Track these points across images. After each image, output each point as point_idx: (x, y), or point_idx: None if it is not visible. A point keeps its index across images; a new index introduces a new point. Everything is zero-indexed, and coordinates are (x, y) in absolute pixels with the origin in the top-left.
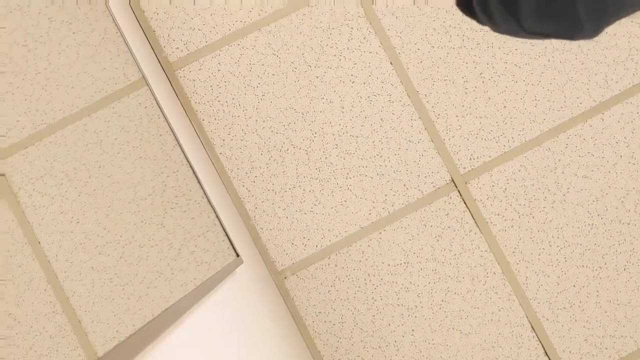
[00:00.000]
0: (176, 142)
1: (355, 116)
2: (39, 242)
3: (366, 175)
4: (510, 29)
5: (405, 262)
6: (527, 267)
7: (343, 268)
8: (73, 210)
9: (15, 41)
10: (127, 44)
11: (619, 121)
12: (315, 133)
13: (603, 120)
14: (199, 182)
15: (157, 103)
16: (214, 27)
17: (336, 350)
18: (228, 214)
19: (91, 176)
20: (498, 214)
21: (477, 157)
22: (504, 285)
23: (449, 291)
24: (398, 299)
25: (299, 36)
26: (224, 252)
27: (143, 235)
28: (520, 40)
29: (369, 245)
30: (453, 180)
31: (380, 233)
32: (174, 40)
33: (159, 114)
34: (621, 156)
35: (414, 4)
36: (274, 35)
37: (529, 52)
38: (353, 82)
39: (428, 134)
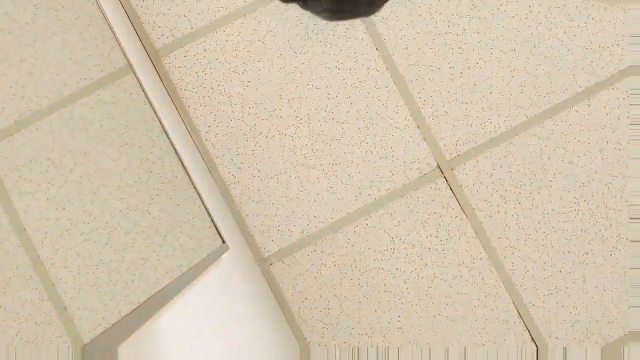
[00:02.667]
0: (162, 129)
1: (341, 102)
2: (25, 229)
3: (352, 162)
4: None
5: (391, 248)
6: (513, 253)
7: (329, 254)
8: (59, 197)
9: (1, 28)
10: (112, 31)
11: (605, 107)
12: (301, 119)
13: (589, 106)
14: (184, 168)
15: (142, 90)
16: (200, 14)
17: (322, 337)
18: (214, 201)
19: (77, 163)
20: (484, 200)
21: (463, 143)
22: (490, 271)
23: (435, 277)
24: (384, 285)
25: (285, 22)
26: (210, 239)
27: (129, 222)
28: (505, 26)
29: (355, 232)
30: (439, 166)
31: (366, 219)
32: (159, 26)
33: (145, 101)
34: (607, 142)
35: None
36: (259, 22)
37: (514, 38)
38: (339, 68)
39: (414, 120)
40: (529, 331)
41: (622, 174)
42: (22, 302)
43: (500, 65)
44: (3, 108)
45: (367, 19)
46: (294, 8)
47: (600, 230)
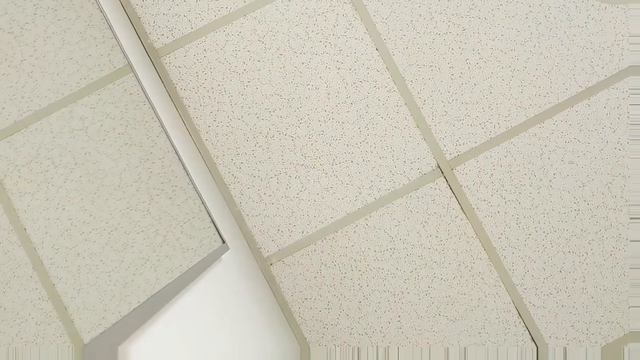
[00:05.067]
0: (162, 129)
1: (341, 102)
2: (25, 229)
3: (352, 162)
4: None
5: (391, 248)
6: (513, 253)
7: (329, 254)
8: (59, 197)
9: (1, 28)
10: (112, 31)
11: (604, 107)
12: (301, 119)
13: (589, 105)
14: (184, 168)
15: (142, 90)
16: (200, 14)
17: (322, 336)
18: (214, 201)
19: (77, 163)
20: (484, 200)
21: (463, 143)
22: (490, 271)
23: (435, 277)
24: (384, 284)
25: (285, 22)
26: (210, 239)
27: (129, 222)
28: (505, 26)
29: (355, 232)
30: (439, 166)
31: (367, 219)
32: (159, 26)
33: (145, 101)
34: (607, 142)
35: None
36: (259, 22)
37: (515, 37)
38: (339, 68)
39: (414, 119)
40: (529, 331)
41: (622, 174)
42: (22, 302)
43: (500, 65)
44: (3, 108)
45: (365, 17)
46: (294, 7)
47: (600, 231)
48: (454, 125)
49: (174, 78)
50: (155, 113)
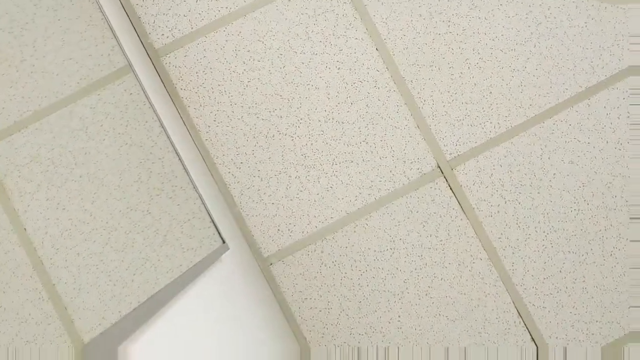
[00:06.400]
0: (162, 129)
1: (341, 102)
2: (25, 229)
3: (352, 162)
4: None
5: (391, 248)
6: (513, 253)
7: (329, 254)
8: (59, 196)
9: (1, 28)
10: (112, 31)
11: (605, 107)
12: (301, 119)
13: (589, 105)
14: (184, 168)
15: (142, 90)
16: (200, 14)
17: (322, 337)
18: (214, 201)
19: (77, 163)
20: (484, 200)
21: (463, 143)
22: (490, 271)
23: (435, 277)
24: (384, 285)
25: (285, 22)
26: (210, 239)
27: (129, 222)
28: (505, 26)
29: (355, 231)
30: (439, 166)
31: (366, 219)
32: (159, 26)
33: (145, 101)
34: (607, 142)
35: None
36: (259, 22)
37: (514, 38)
38: (339, 68)
39: (414, 119)
40: (529, 331)
41: (622, 174)
42: (22, 302)
43: (500, 65)
44: (3, 108)
45: (365, 18)
46: (294, 7)
47: (600, 231)
48: (454, 125)
49: (174, 78)
50: (155, 113)
